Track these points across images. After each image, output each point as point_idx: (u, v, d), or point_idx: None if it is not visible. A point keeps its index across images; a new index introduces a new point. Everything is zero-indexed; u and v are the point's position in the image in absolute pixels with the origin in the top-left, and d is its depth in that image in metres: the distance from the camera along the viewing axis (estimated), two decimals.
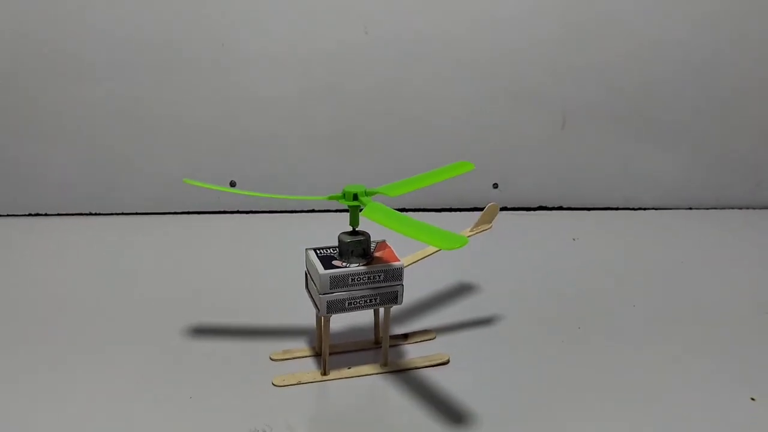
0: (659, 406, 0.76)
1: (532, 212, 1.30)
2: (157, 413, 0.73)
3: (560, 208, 1.31)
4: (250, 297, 0.97)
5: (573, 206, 1.31)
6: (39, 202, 1.20)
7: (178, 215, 1.23)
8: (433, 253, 0.84)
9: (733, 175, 1.32)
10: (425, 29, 1.18)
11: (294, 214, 1.26)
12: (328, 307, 0.75)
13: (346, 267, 0.75)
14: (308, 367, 0.81)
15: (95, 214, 1.22)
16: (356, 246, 0.76)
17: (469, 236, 0.85)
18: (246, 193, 0.80)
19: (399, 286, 0.77)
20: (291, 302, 0.93)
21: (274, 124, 1.20)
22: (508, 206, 1.31)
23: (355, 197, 0.74)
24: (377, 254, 0.78)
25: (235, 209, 1.25)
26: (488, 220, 0.84)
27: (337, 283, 0.74)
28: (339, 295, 0.75)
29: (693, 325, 0.93)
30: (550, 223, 1.26)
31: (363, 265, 0.75)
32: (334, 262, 0.75)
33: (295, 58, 1.17)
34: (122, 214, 1.22)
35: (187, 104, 1.18)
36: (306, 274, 0.80)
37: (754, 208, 1.34)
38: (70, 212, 1.21)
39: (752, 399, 0.78)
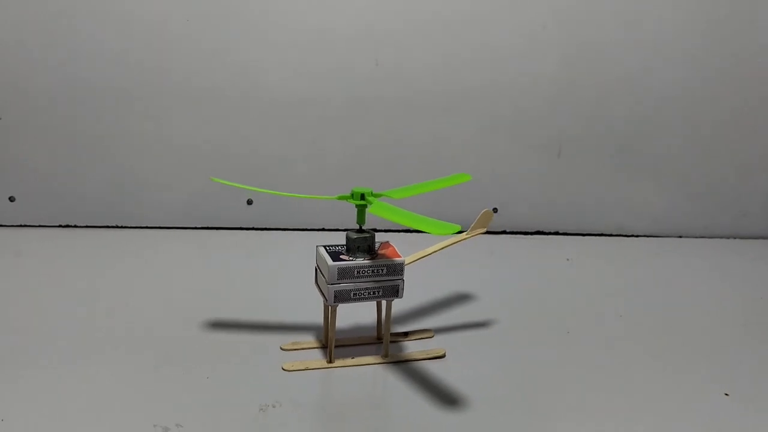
0: (640, 398, 0.83)
1: (529, 236, 1.38)
2: (177, 390, 0.80)
3: (556, 233, 1.39)
4: (262, 300, 1.05)
5: (569, 231, 1.39)
6: (70, 215, 1.29)
7: (198, 230, 1.32)
8: (432, 253, 0.92)
9: (719, 206, 1.40)
10: (427, 61, 1.28)
11: (304, 232, 1.34)
12: (335, 296, 0.83)
13: (352, 260, 0.83)
14: (313, 358, 0.89)
15: (121, 227, 1.31)
16: (362, 242, 0.84)
17: (465, 239, 0.93)
18: (263, 191, 0.89)
19: (400, 281, 0.85)
20: (300, 303, 1.01)
21: (288, 150, 1.30)
22: (507, 230, 1.39)
23: (362, 197, 0.83)
24: (381, 252, 0.86)
25: (251, 226, 1.34)
26: (483, 224, 0.92)
27: (344, 274, 0.82)
28: (345, 285, 0.83)
29: (674, 334, 0.99)
30: (546, 247, 1.34)
31: (368, 259, 0.83)
32: (342, 256, 0.84)
33: (311, 87, 1.27)
34: (146, 227, 1.31)
35: (208, 129, 1.28)
36: (316, 269, 0.88)
37: (740, 238, 1.41)
38: (99, 224, 1.30)
39: (726, 395, 0.84)
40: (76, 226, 1.30)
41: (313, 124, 1.29)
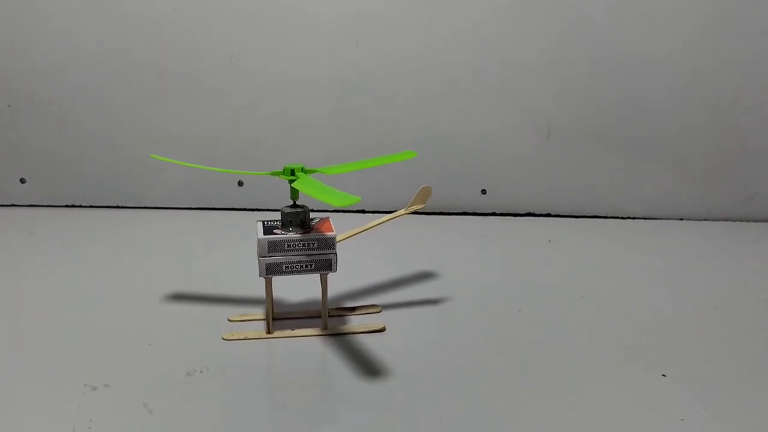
0: (572, 375, 0.82)
1: (519, 218, 1.37)
2: (116, 353, 0.86)
3: (548, 215, 1.37)
4: (232, 276, 1.09)
5: (560, 213, 1.37)
6: (75, 196, 1.38)
7: (193, 210, 1.38)
8: (368, 229, 0.93)
9: (725, 188, 1.34)
10: (413, 43, 1.29)
11: None
12: (267, 269, 0.86)
13: (283, 234, 0.85)
14: (259, 329, 0.92)
15: (121, 207, 1.38)
16: (294, 216, 0.86)
17: (404, 214, 0.94)
18: (202, 167, 0.93)
19: (332, 255, 0.87)
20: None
21: (276, 132, 1.34)
22: (497, 212, 1.38)
23: (293, 172, 0.85)
24: (316, 227, 0.88)
25: (243, 207, 1.39)
26: (421, 200, 0.92)
27: (274, 247, 0.85)
28: (276, 258, 0.85)
29: (632, 316, 0.97)
30: (533, 229, 1.32)
31: (299, 233, 0.86)
32: (275, 231, 0.86)
33: (299, 75, 1.31)
34: (144, 208, 1.38)
35: (203, 117, 1.33)
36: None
37: (747, 221, 1.35)
38: (102, 204, 1.38)
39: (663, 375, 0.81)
40: (80, 206, 1.38)
41: (301, 106, 1.32)
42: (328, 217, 0.91)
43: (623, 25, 1.26)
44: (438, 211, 1.38)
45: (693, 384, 0.79)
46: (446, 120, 1.33)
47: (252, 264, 1.13)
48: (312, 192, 0.79)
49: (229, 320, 0.94)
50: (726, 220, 1.35)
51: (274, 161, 1.32)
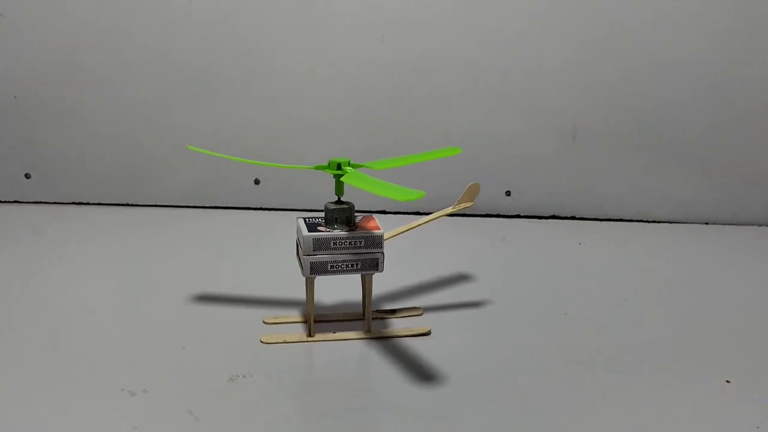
0: (641, 384, 0.78)
1: (544, 220, 1.34)
2: (151, 357, 0.80)
3: (572, 218, 1.34)
4: (258, 277, 1.04)
5: (585, 216, 1.34)
6: (82, 193, 1.31)
7: (206, 209, 1.32)
8: (416, 226, 0.89)
9: (750, 192, 1.32)
10: (441, 45, 1.25)
11: (310, 213, 1.33)
12: (311, 268, 0.81)
13: (329, 232, 0.81)
14: (297, 332, 0.87)
15: (131, 204, 1.32)
16: (340, 213, 0.82)
17: (451, 213, 0.90)
18: (242, 160, 0.88)
19: (379, 254, 0.82)
20: (292, 280, 1.00)
21: (295, 130, 1.29)
22: (521, 214, 1.34)
23: (339, 167, 0.81)
24: (361, 225, 0.84)
25: (258, 206, 1.34)
26: (469, 198, 0.89)
27: (319, 245, 0.80)
28: (322, 257, 0.81)
29: (677, 320, 0.94)
30: (560, 231, 1.29)
31: (345, 231, 0.81)
32: (320, 228, 0.82)
33: (319, 72, 1.26)
34: (154, 206, 1.32)
35: (215, 111, 1.28)
36: (296, 242, 0.87)
37: None
38: (108, 202, 1.32)
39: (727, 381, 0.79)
40: (87, 203, 1.32)
41: (321, 103, 1.28)
42: (371, 215, 0.87)
43: (649, 27, 1.24)
44: (461, 213, 1.34)
45: (760, 391, 0.77)
46: (470, 120, 1.29)
47: (277, 263, 1.08)
48: (366, 186, 0.75)
49: (264, 322, 0.89)
50: (751, 224, 1.33)
51: (291, 160, 1.28)
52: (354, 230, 0.82)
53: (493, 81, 1.27)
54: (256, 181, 1.32)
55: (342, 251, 0.81)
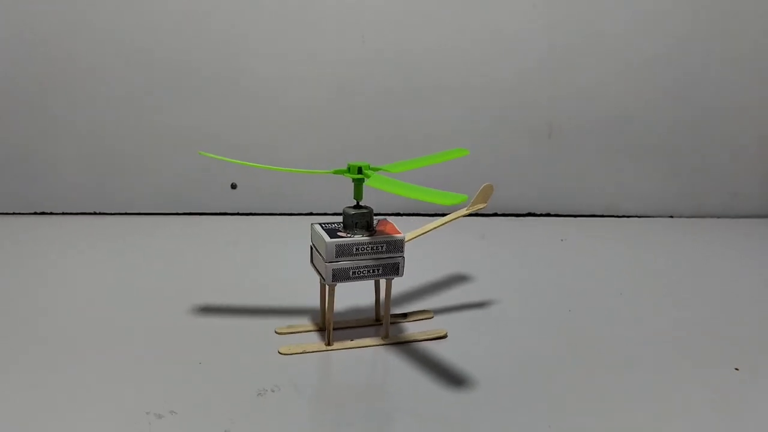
0: (660, 376, 0.81)
1: (521, 218, 1.36)
2: (169, 376, 0.76)
3: (548, 215, 1.37)
4: (253, 285, 1.01)
5: (560, 213, 1.37)
6: (46, 202, 1.23)
7: (181, 216, 1.27)
8: (433, 229, 0.88)
9: (710, 186, 1.39)
10: (416, 42, 1.25)
11: (291, 217, 1.30)
12: (333, 275, 0.79)
13: (350, 237, 0.79)
14: (310, 341, 0.85)
15: (100, 213, 1.25)
16: (360, 218, 0.80)
17: (465, 215, 0.90)
18: (257, 165, 0.85)
19: (400, 258, 0.81)
20: (291, 286, 0.98)
21: (277, 132, 1.26)
22: (498, 212, 1.36)
23: (360, 171, 0.79)
24: (379, 229, 0.82)
25: (236, 211, 1.29)
26: (483, 199, 0.89)
27: (342, 251, 0.78)
28: (344, 264, 0.79)
29: (676, 310, 0.98)
30: (538, 228, 1.31)
31: (366, 236, 0.80)
32: (339, 233, 0.80)
33: (301, 69, 1.23)
34: (126, 214, 1.26)
35: (192, 111, 1.23)
36: (311, 248, 0.84)
37: (730, 217, 1.41)
38: (77, 211, 1.25)
39: (736, 369, 0.82)
40: (52, 214, 1.24)
41: (301, 105, 1.25)
42: (386, 218, 0.86)
43: (618, 31, 1.28)
44: (441, 212, 1.34)
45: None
46: (447, 119, 1.30)
47: (270, 270, 1.05)
48: (395, 189, 0.73)
49: (276, 332, 0.86)
50: (713, 216, 1.40)
51: (271, 161, 1.25)
52: (374, 235, 0.80)
53: (472, 81, 1.28)
54: (233, 186, 1.28)
55: (364, 257, 0.80)
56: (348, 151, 1.27)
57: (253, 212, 1.30)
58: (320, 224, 0.83)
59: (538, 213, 1.37)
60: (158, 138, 1.23)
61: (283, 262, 1.10)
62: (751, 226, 1.37)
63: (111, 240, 1.16)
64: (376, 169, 0.81)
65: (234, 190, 1.28)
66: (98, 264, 1.06)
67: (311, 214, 1.31)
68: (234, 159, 0.85)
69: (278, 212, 1.30)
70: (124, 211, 1.26)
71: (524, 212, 1.37)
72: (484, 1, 1.24)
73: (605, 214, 1.38)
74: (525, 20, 1.26)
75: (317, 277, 0.94)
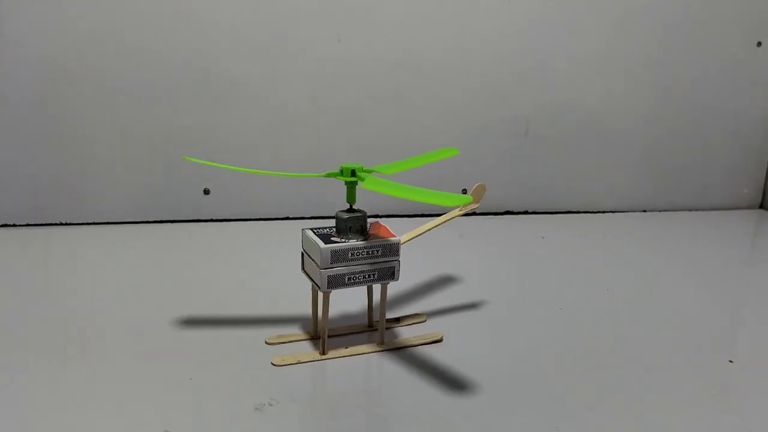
0: (648, 370, 0.80)
1: (498, 216, 1.35)
2: (159, 394, 0.72)
3: (525, 212, 1.37)
4: (236, 293, 0.98)
5: (537, 210, 1.37)
6: (5, 213, 1.17)
7: (151, 224, 1.22)
8: (427, 231, 0.86)
9: (681, 180, 1.41)
10: (391, 40, 1.23)
11: (267, 222, 1.27)
12: (328, 282, 0.76)
13: (345, 242, 0.76)
14: (303, 350, 0.82)
15: (66, 224, 1.20)
16: (354, 222, 0.78)
17: (459, 215, 0.89)
18: (246, 170, 0.82)
19: (396, 262, 0.79)
20: (276, 294, 0.95)
21: (251, 136, 1.22)
22: (476, 211, 1.35)
23: (353, 173, 0.77)
24: (373, 232, 0.80)
25: (209, 218, 1.25)
26: (476, 199, 0.88)
27: (337, 257, 0.76)
28: (339, 270, 0.76)
29: (662, 303, 0.98)
30: (517, 226, 1.31)
31: (361, 240, 0.77)
32: (333, 238, 0.77)
33: (282, 72, 1.20)
34: (95, 223, 1.20)
35: (165, 113, 1.18)
36: (302, 254, 0.82)
37: (701, 210, 1.43)
38: (40, 222, 1.18)
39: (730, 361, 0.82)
40: (14, 225, 1.18)
41: (274, 108, 1.22)
42: (377, 221, 0.84)
43: (593, 29, 1.29)
44: (419, 213, 1.33)
45: (762, 367, 0.81)
46: (423, 118, 1.28)
47: (250, 278, 1.02)
48: (393, 192, 0.71)
49: (266, 343, 0.83)
50: (685, 210, 1.43)
51: (245, 164, 1.21)
52: (368, 239, 0.78)
53: (447, 80, 1.27)
54: (206, 191, 1.23)
55: (359, 262, 0.77)
56: (322, 150, 1.25)
57: (227, 218, 1.26)
58: (312, 229, 0.80)
59: (516, 211, 1.37)
60: (125, 144, 1.18)
61: (266, 269, 1.06)
62: (721, 218, 1.39)
63: (81, 252, 1.10)
64: (368, 171, 0.79)
65: (207, 196, 1.23)
66: (69, 277, 1.01)
67: (287, 218, 1.28)
68: (216, 163, 0.81)
69: (251, 217, 1.26)
70: (91, 221, 1.20)
71: (502, 210, 1.36)
72: (462, 1, 1.23)
73: (581, 210, 1.39)
74: (501, 20, 1.25)
75: (303, 284, 0.91)
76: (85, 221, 1.20)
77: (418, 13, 1.22)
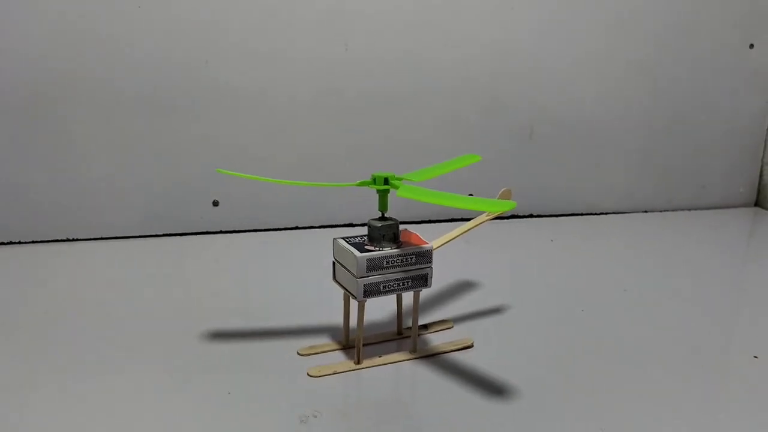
0: (666, 366, 0.82)
1: (505, 220, 1.36)
2: (200, 410, 0.71)
3: (530, 216, 1.38)
4: (257, 305, 0.97)
5: (542, 213, 1.38)
6: (10, 230, 1.15)
7: (161, 237, 1.21)
8: (457, 236, 0.87)
9: (680, 180, 1.44)
10: (395, 46, 1.23)
11: (277, 232, 1.26)
12: (364, 290, 0.76)
13: (379, 250, 0.76)
14: (335, 360, 0.82)
15: (74, 239, 1.17)
16: (387, 230, 0.78)
17: (486, 220, 0.89)
18: (281, 182, 0.81)
19: (429, 269, 0.79)
20: (300, 304, 0.95)
21: (260, 145, 1.21)
22: None
23: (386, 182, 0.77)
24: (404, 239, 0.80)
25: (219, 229, 1.24)
26: None
27: (373, 266, 0.76)
28: (374, 278, 0.76)
29: (680, 301, 1.00)
30: (524, 229, 1.32)
31: (394, 248, 0.77)
32: (367, 247, 0.77)
33: (281, 79, 1.19)
34: (102, 239, 1.19)
35: (171, 124, 1.17)
36: (334, 264, 0.81)
37: (700, 209, 1.46)
38: (47, 239, 1.16)
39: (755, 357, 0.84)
40: (19, 243, 1.15)
41: (279, 117, 1.21)
42: (406, 228, 0.84)
43: (593, 30, 1.31)
44: (426, 219, 1.33)
45: None
46: (428, 123, 1.29)
47: (268, 289, 1.01)
48: (430, 199, 0.71)
49: (299, 354, 0.83)
50: (683, 209, 1.45)
51: (256, 171, 1.21)
52: (401, 246, 0.78)
53: (452, 84, 1.28)
54: (215, 203, 1.22)
55: (393, 270, 0.77)
56: (325, 158, 1.24)
57: (237, 229, 1.25)
58: (344, 238, 0.80)
59: (521, 215, 1.38)
60: (133, 157, 1.16)
61: (282, 279, 1.05)
62: (718, 216, 1.42)
63: (90, 268, 1.09)
64: (399, 179, 0.79)
65: (216, 207, 1.22)
66: (82, 295, 0.99)
67: (296, 228, 1.27)
68: (249, 175, 0.80)
69: (261, 228, 1.25)
70: (100, 236, 1.18)
71: (508, 215, 1.37)
72: (462, 5, 1.23)
73: (585, 212, 1.40)
74: (503, 24, 1.26)
75: (325, 293, 0.91)
76: (91, 236, 1.18)
77: (423, 19, 1.23)
